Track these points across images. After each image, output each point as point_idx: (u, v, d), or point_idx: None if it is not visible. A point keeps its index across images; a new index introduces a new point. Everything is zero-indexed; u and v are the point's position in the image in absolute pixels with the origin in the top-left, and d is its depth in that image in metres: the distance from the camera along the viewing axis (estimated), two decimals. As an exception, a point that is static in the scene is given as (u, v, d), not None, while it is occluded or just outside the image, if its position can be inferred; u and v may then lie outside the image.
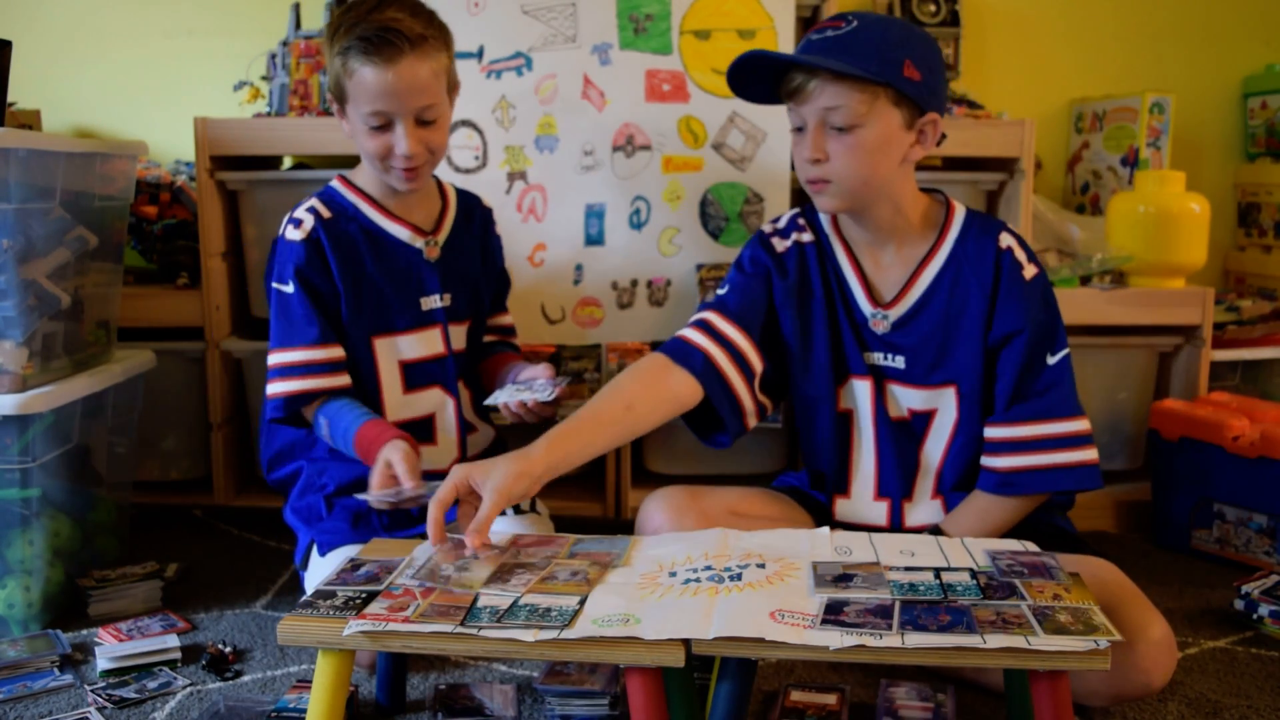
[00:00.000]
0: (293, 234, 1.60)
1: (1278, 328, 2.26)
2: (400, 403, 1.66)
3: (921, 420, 1.54)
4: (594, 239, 2.05)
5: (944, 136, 1.48)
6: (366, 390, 1.64)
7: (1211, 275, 2.55)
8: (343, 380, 1.60)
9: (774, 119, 2.04)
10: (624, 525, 1.91)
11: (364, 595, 1.17)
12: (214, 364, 2.11)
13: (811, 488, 1.64)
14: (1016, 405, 1.48)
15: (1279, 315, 2.30)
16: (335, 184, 1.67)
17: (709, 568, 1.21)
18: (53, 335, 1.70)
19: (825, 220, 1.58)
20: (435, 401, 1.69)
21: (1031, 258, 1.50)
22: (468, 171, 2.02)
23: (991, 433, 1.49)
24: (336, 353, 1.60)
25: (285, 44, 2.13)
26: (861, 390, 1.55)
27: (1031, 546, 1.27)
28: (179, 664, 1.52)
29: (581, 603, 1.13)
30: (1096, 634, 1.03)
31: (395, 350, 1.66)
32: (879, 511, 1.56)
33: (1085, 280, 2.14)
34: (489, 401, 1.63)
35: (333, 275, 1.60)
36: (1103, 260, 2.13)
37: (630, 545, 1.31)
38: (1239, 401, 2.05)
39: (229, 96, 2.27)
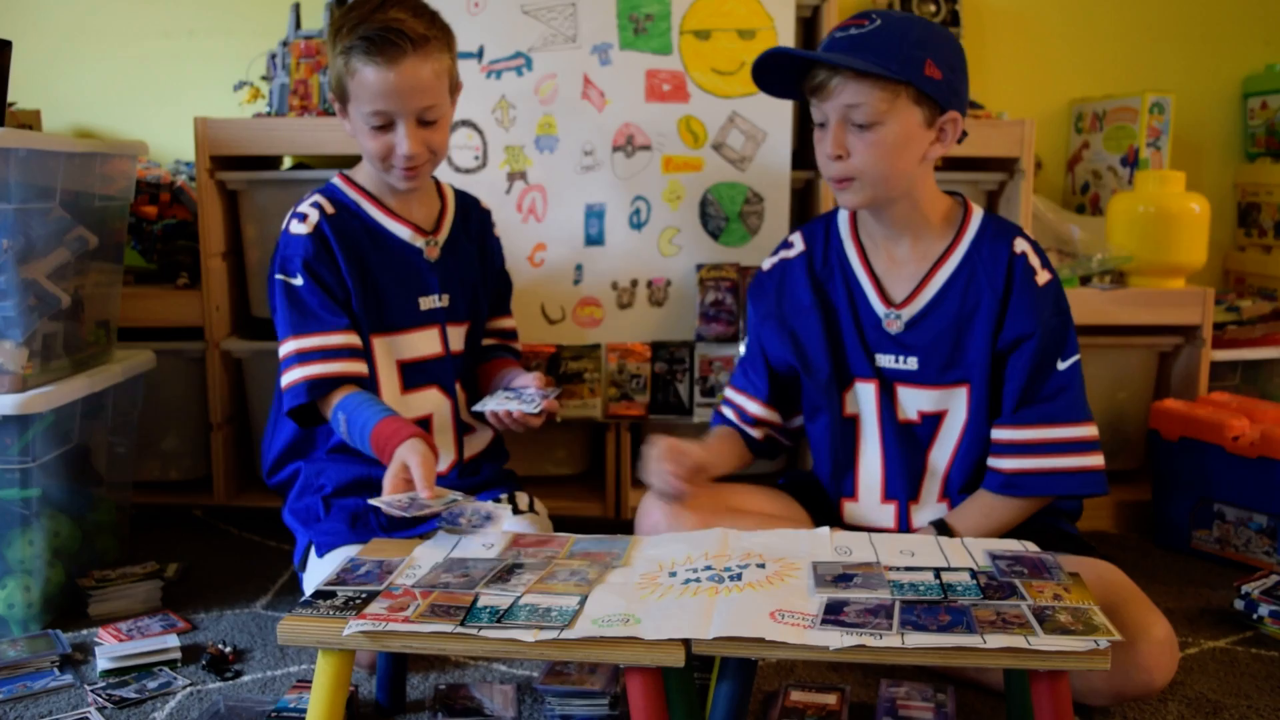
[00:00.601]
0: (298, 227, 1.60)
1: (1278, 328, 2.26)
2: (398, 402, 1.65)
3: (931, 423, 1.54)
4: (594, 239, 2.05)
5: (964, 134, 1.49)
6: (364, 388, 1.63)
7: (1211, 275, 2.55)
8: (362, 368, 1.58)
9: (774, 119, 2.04)
10: (624, 525, 1.91)
11: (364, 595, 1.17)
12: (214, 364, 2.11)
13: (818, 486, 1.65)
14: (1025, 408, 1.48)
15: (1279, 315, 2.30)
16: (336, 181, 1.67)
17: (709, 568, 1.21)
18: (53, 335, 1.69)
19: (844, 222, 1.59)
20: (433, 402, 1.69)
21: (1045, 264, 1.51)
22: (468, 171, 2.02)
23: (999, 434, 1.50)
24: (354, 339, 1.58)
25: (285, 44, 2.13)
26: (867, 394, 1.56)
27: (1032, 546, 1.27)
28: (179, 664, 1.52)
29: (581, 603, 1.13)
30: (1097, 634, 1.03)
31: (394, 349, 1.66)
32: (887, 514, 1.57)
33: (1085, 280, 2.14)
34: (476, 408, 1.64)
35: (340, 269, 1.60)
36: (1103, 260, 2.13)
37: (630, 545, 1.31)
38: (1239, 401, 2.05)
39: (229, 96, 2.27)
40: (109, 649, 1.54)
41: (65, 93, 2.45)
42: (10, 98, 1.82)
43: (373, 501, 1.38)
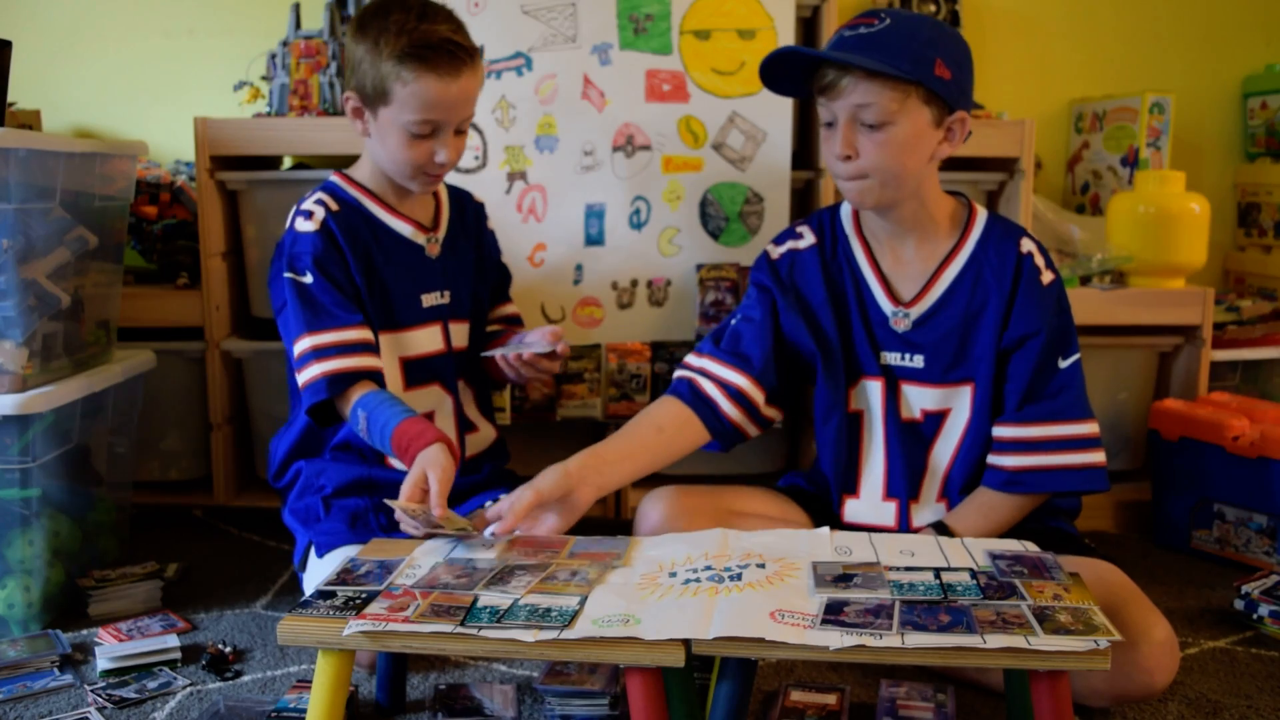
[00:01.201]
0: (304, 225, 1.59)
1: (1278, 328, 2.26)
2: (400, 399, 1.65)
3: (934, 421, 1.55)
4: (594, 239, 2.05)
5: (970, 133, 1.49)
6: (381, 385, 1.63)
7: (1211, 275, 2.55)
8: (379, 363, 1.56)
9: (774, 119, 2.04)
10: (624, 525, 1.91)
11: (364, 595, 1.17)
12: (214, 364, 2.11)
13: (818, 488, 1.64)
14: (1027, 406, 1.49)
15: (1279, 315, 2.30)
16: (335, 179, 1.67)
17: (709, 568, 1.21)
18: (53, 335, 1.69)
19: (847, 218, 1.59)
20: (435, 399, 1.69)
21: (1049, 264, 1.53)
22: (468, 171, 2.02)
23: (1000, 432, 1.50)
24: (369, 335, 1.57)
25: (285, 44, 2.13)
26: (873, 391, 1.56)
27: (1032, 546, 1.27)
28: (179, 664, 1.52)
29: (581, 603, 1.13)
30: (1096, 634, 1.03)
31: (397, 346, 1.65)
32: (888, 512, 1.57)
33: (1085, 280, 2.14)
34: (486, 353, 1.62)
35: (349, 266, 1.59)
36: (1103, 260, 2.13)
37: (630, 545, 1.31)
38: (1239, 401, 2.05)
39: (229, 96, 2.27)
40: (109, 649, 1.54)
41: (65, 93, 2.45)
42: (10, 98, 1.82)
43: (389, 503, 1.38)
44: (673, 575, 1.20)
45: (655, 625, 1.08)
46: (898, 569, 1.20)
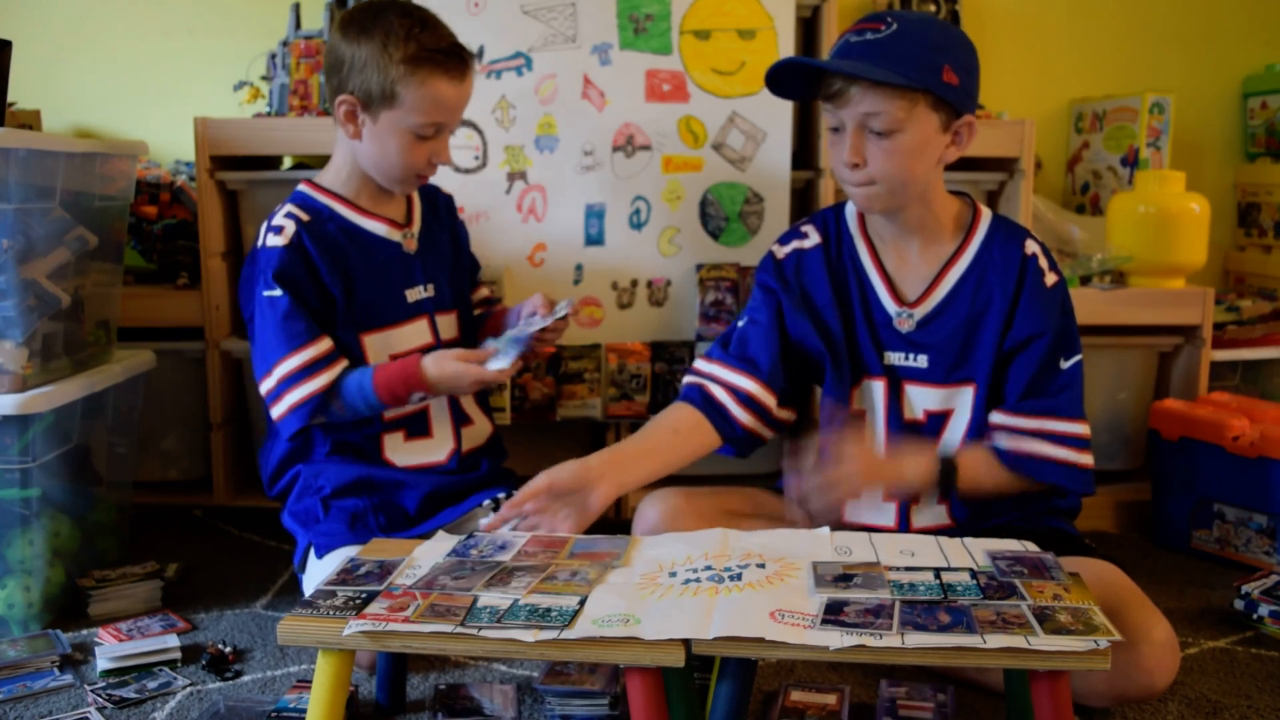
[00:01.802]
0: (275, 240, 1.59)
1: (1278, 328, 2.26)
2: (395, 398, 1.66)
3: (936, 422, 1.54)
4: (594, 239, 2.05)
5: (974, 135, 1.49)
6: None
7: (1211, 275, 2.55)
8: (344, 363, 1.60)
9: (774, 119, 2.04)
10: (624, 525, 1.91)
11: (364, 595, 1.17)
12: (214, 364, 2.11)
13: None
14: (1026, 401, 1.49)
15: (1279, 315, 2.30)
16: (304, 188, 1.67)
17: (709, 568, 1.21)
18: (53, 335, 1.69)
19: (851, 218, 1.59)
20: (429, 394, 1.69)
21: (1053, 266, 1.53)
22: (468, 172, 2.02)
23: (995, 419, 1.51)
24: (327, 344, 1.59)
25: (285, 44, 2.13)
26: (876, 391, 1.56)
27: (1032, 546, 1.27)
28: (179, 664, 1.52)
29: (581, 603, 1.13)
30: (1096, 634, 1.03)
31: (386, 345, 1.66)
32: (888, 513, 1.57)
33: (1085, 280, 2.14)
34: (491, 350, 1.62)
35: (322, 278, 1.60)
36: (1103, 260, 2.13)
37: (630, 545, 1.31)
38: (1239, 401, 2.05)
39: (229, 96, 2.27)
40: (109, 649, 1.54)
41: (65, 93, 2.45)
42: (10, 98, 1.82)
43: (483, 522, 1.44)
44: (673, 575, 1.20)
45: (655, 625, 1.08)
46: (898, 569, 1.20)
